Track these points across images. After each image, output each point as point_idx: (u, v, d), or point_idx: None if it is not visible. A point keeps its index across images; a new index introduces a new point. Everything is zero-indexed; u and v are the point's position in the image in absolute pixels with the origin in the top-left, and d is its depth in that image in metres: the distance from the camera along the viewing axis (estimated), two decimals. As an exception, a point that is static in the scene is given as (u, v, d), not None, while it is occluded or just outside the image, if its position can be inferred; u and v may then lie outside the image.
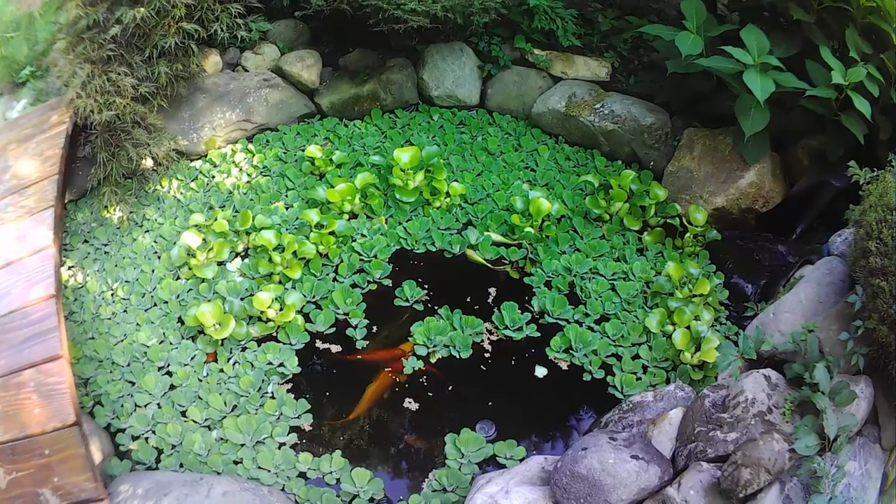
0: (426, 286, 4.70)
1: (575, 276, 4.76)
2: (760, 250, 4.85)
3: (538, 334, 4.49)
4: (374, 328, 4.52)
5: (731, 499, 3.16)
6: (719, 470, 3.23)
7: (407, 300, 4.63)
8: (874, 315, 3.33)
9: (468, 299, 4.67)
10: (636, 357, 4.35)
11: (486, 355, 4.39)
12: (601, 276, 4.77)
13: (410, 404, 4.16)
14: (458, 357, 4.35)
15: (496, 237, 4.96)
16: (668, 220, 5.05)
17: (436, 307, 4.59)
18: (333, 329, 4.49)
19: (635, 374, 4.26)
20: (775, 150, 5.06)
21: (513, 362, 4.38)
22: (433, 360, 4.34)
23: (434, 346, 4.37)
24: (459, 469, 3.85)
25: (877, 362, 3.45)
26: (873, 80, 4.37)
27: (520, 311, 4.54)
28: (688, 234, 4.91)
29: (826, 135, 4.79)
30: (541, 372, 4.32)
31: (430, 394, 4.21)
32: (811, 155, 4.95)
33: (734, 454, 3.18)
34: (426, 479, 3.85)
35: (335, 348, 4.42)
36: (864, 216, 3.53)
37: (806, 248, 4.71)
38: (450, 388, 4.24)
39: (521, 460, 3.82)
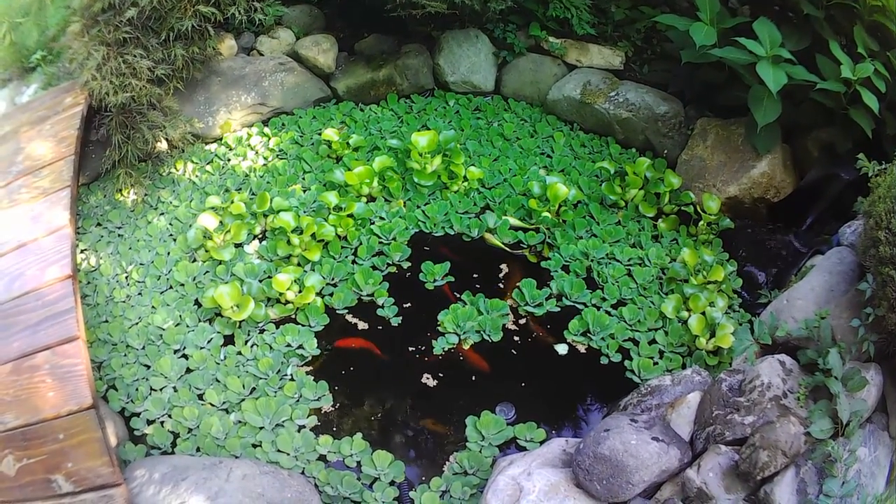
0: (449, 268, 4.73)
1: (592, 260, 4.79)
2: (772, 239, 4.90)
3: (558, 309, 4.53)
4: (406, 305, 4.55)
5: (748, 481, 3.19)
6: (737, 453, 3.27)
7: (435, 279, 4.66)
8: (884, 303, 3.36)
9: (489, 282, 4.71)
10: (653, 342, 4.38)
11: (516, 338, 4.41)
12: (618, 261, 4.80)
13: (431, 388, 4.18)
14: (489, 341, 4.38)
15: (514, 221, 4.98)
16: (682, 208, 5.08)
17: (456, 293, 4.61)
18: (349, 310, 4.52)
19: (652, 358, 4.28)
20: (786, 141, 5.08)
21: (534, 345, 4.39)
22: (466, 347, 4.35)
23: (465, 332, 4.38)
24: (480, 452, 3.86)
25: (886, 350, 3.48)
26: (880, 77, 4.40)
27: (538, 289, 4.58)
28: (702, 222, 4.93)
29: (835, 128, 4.81)
30: (562, 349, 4.36)
31: (450, 376, 4.22)
32: (821, 147, 4.97)
33: (752, 437, 3.21)
34: (447, 462, 3.86)
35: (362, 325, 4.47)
36: (874, 207, 3.54)
37: (816, 239, 4.74)
38: (472, 377, 4.25)
39: (542, 443, 3.83)
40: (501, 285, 4.70)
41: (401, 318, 4.47)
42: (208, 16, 4.94)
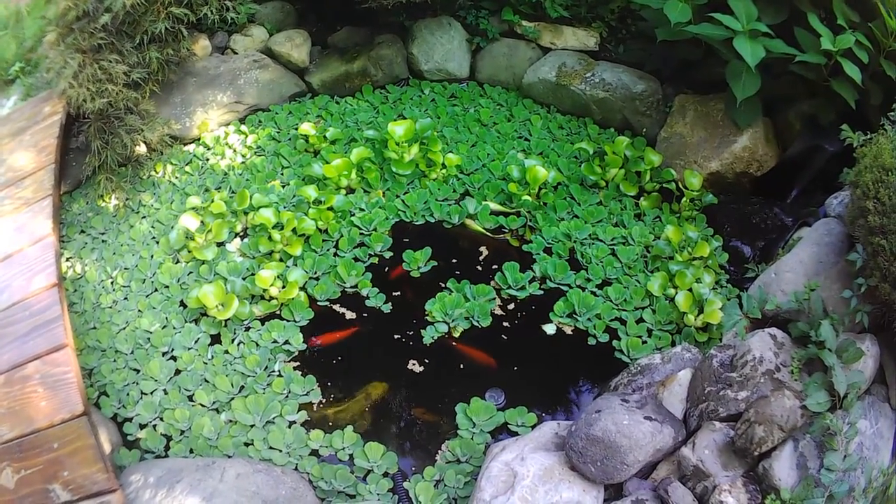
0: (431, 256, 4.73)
1: (575, 241, 4.79)
2: (757, 213, 4.89)
3: (541, 292, 4.53)
4: (394, 294, 4.56)
5: (745, 457, 3.19)
6: (732, 429, 3.26)
7: (419, 267, 4.66)
8: (876, 273, 3.33)
9: (472, 268, 4.70)
10: (640, 321, 4.38)
11: (505, 324, 4.41)
12: (601, 241, 4.80)
13: (420, 376, 4.17)
14: (478, 326, 4.38)
15: (494, 206, 4.98)
16: (663, 186, 5.08)
17: (440, 282, 4.60)
18: (335, 302, 4.51)
19: (640, 337, 4.28)
20: (767, 115, 5.08)
21: (521, 328, 4.39)
22: (456, 335, 4.35)
23: (454, 320, 4.38)
24: (472, 439, 3.86)
25: (881, 320, 3.46)
26: (862, 48, 4.39)
27: (521, 272, 4.58)
28: (684, 199, 4.93)
29: (817, 100, 4.81)
30: (550, 329, 4.36)
31: (439, 364, 4.22)
32: (803, 120, 4.97)
33: (746, 412, 3.19)
34: (439, 451, 3.86)
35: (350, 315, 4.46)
36: (860, 177, 3.52)
37: (802, 211, 4.75)
38: (461, 365, 4.24)
39: (534, 427, 3.82)
40: (480, 268, 4.70)
41: (388, 305, 4.48)
42: (181, 17, 4.93)
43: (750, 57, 4.39)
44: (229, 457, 3.80)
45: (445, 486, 3.71)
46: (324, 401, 4.07)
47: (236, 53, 5.81)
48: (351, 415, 4.01)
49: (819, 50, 4.38)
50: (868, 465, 3.13)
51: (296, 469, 3.80)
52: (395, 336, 4.35)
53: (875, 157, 3.50)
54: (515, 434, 3.87)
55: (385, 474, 3.76)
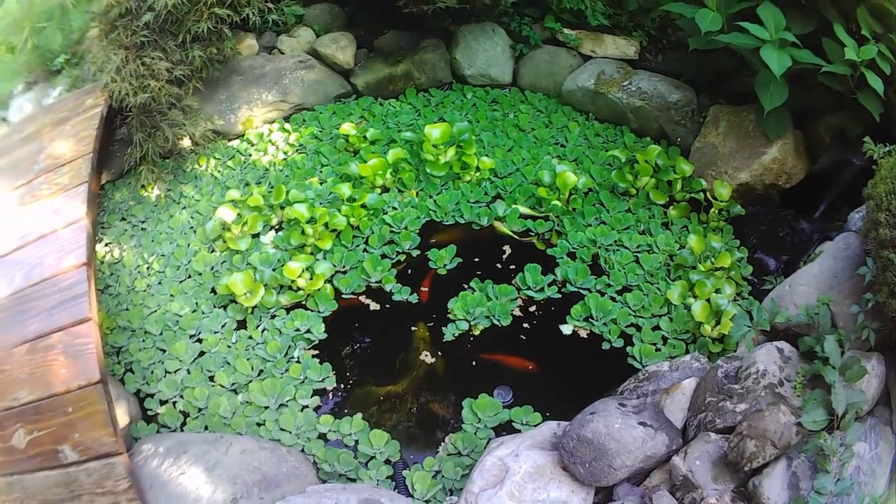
0: (457, 256, 4.81)
1: (599, 247, 4.81)
2: (784, 226, 4.87)
3: (559, 296, 4.57)
4: (421, 289, 4.66)
5: (737, 472, 3.15)
6: (727, 441, 3.22)
7: (445, 263, 4.75)
8: (885, 288, 3.25)
9: (497, 268, 4.77)
10: (656, 328, 4.38)
11: (525, 325, 4.46)
12: (625, 248, 4.81)
13: (434, 371, 4.25)
14: (499, 325, 4.44)
15: (524, 210, 5.03)
16: (693, 195, 5.07)
17: (464, 282, 4.67)
18: (360, 295, 4.62)
19: (655, 344, 4.29)
20: (798, 127, 5.05)
21: (537, 329, 4.44)
22: (476, 333, 4.42)
23: (474, 318, 4.45)
24: (475, 433, 3.92)
25: (889, 339, 3.39)
26: (885, 59, 4.36)
27: (542, 275, 4.62)
28: (713, 209, 4.92)
29: (845, 112, 4.77)
30: (566, 329, 4.41)
31: (455, 360, 4.30)
32: (832, 132, 4.93)
33: (740, 425, 3.16)
34: (442, 443, 3.93)
35: (373, 305, 4.58)
36: (875, 188, 3.47)
37: (828, 226, 4.71)
38: (473, 362, 4.31)
39: (537, 426, 3.85)
40: (503, 269, 4.75)
41: (414, 297, 4.59)
42: (224, 18, 5.06)
43: (776, 66, 4.38)
44: (240, 434, 3.94)
45: (444, 477, 3.78)
46: (339, 387, 4.18)
47: (283, 53, 5.97)
48: (362, 403, 4.11)
49: (844, 60, 4.36)
50: (862, 491, 3.04)
51: (302, 451, 3.91)
52: (415, 330, 4.44)
53: (891, 168, 3.45)
54: (519, 432, 3.89)
55: (387, 461, 3.85)
